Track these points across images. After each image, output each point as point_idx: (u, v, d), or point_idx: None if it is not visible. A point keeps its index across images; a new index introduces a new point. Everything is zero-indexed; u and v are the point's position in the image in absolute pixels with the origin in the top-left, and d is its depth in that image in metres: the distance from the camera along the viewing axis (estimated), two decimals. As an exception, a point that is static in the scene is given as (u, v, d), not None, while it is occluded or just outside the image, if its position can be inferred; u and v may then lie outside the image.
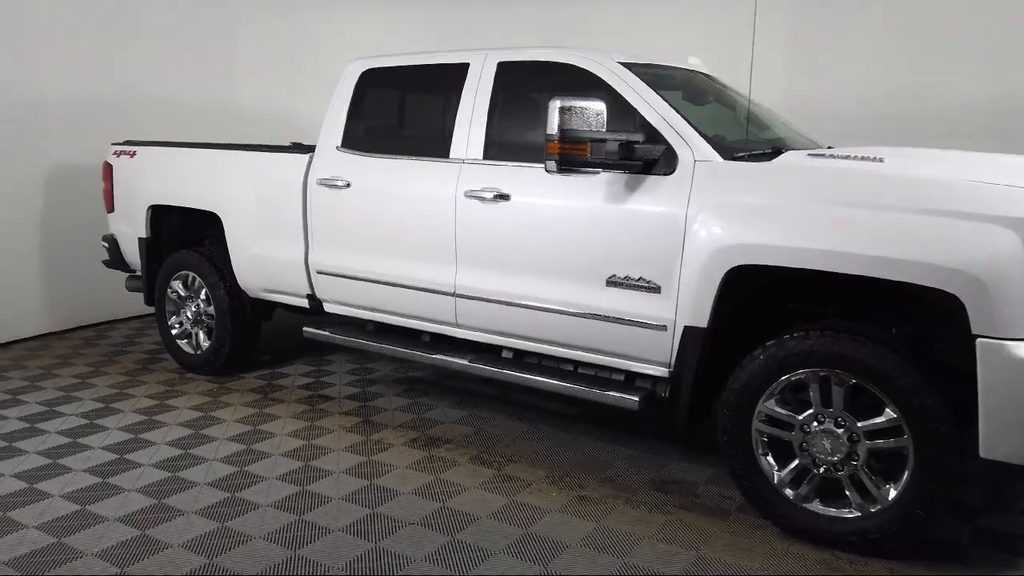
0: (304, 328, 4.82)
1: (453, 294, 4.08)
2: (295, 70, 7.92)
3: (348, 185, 4.45)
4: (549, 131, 3.30)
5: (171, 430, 4.35)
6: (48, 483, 3.67)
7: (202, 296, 5.34)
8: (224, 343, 5.23)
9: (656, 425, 4.37)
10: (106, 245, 5.90)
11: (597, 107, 3.28)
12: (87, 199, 6.45)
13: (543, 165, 3.70)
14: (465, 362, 4.13)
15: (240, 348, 5.32)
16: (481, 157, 4.00)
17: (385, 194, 4.31)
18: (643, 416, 4.18)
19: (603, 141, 3.28)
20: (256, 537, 3.18)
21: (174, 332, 5.52)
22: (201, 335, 5.40)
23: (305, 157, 4.71)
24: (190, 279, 5.38)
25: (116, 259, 5.90)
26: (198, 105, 7.30)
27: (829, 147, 4.05)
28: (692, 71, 4.35)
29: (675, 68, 4.21)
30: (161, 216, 5.55)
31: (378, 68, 4.58)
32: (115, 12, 6.66)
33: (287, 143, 6.13)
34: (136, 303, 6.85)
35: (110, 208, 5.80)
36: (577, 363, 3.91)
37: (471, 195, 3.95)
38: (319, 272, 4.66)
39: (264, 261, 4.92)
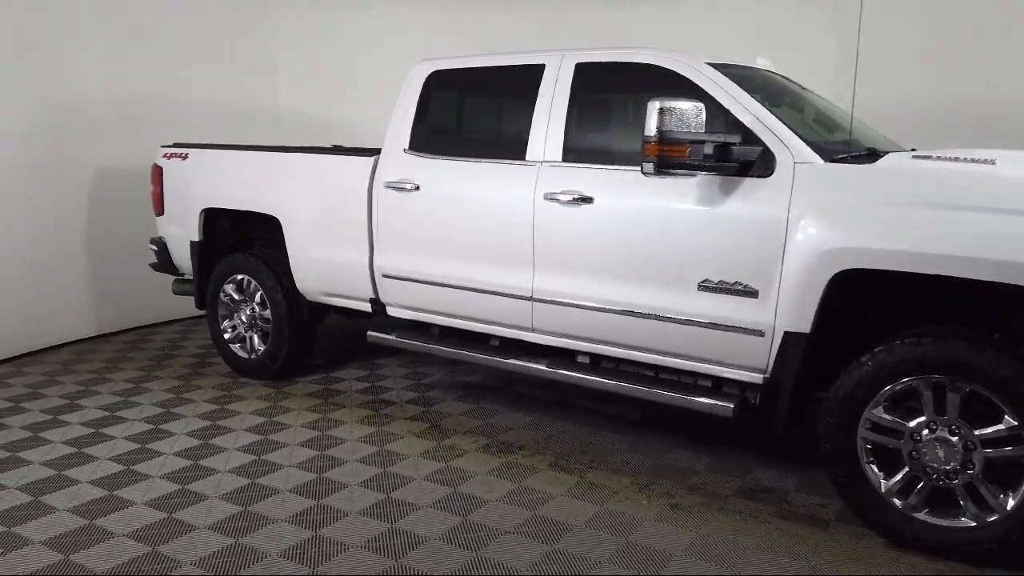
0: (368, 332, 4.76)
1: (530, 298, 4.02)
2: (332, 73, 7.87)
3: (417, 188, 4.39)
4: (647, 132, 3.24)
5: (239, 436, 4.29)
6: (128, 490, 3.60)
7: (257, 299, 5.29)
8: (281, 347, 5.17)
9: (721, 429, 4.31)
10: (154, 248, 5.83)
11: (696, 108, 3.22)
12: (126, 202, 6.42)
13: (628, 167, 3.69)
14: (543, 367, 4.07)
15: (296, 352, 5.26)
16: (560, 159, 3.94)
17: (457, 197, 4.25)
18: (708, 419, 4.13)
19: (701, 143, 3.23)
20: (353, 546, 3.11)
21: (227, 336, 5.46)
22: (256, 339, 5.34)
23: (370, 160, 4.65)
24: (245, 282, 5.33)
25: (164, 262, 5.84)
26: (235, 108, 7.26)
27: (912, 149, 3.99)
28: (768, 71, 4.29)
29: (753, 69, 4.15)
30: (213, 219, 5.49)
31: (446, 70, 4.52)
32: (152, 15, 6.62)
33: (328, 145, 6.10)
34: (177, 307, 6.84)
35: (159, 211, 5.73)
36: (658, 368, 3.86)
37: (550, 198, 3.90)
38: (385, 276, 4.60)
39: (325, 265, 4.87)
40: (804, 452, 4.04)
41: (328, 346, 6.02)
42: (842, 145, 3.63)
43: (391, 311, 4.73)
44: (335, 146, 6.17)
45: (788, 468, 3.88)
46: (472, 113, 4.69)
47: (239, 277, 5.34)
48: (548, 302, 3.97)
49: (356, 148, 5.51)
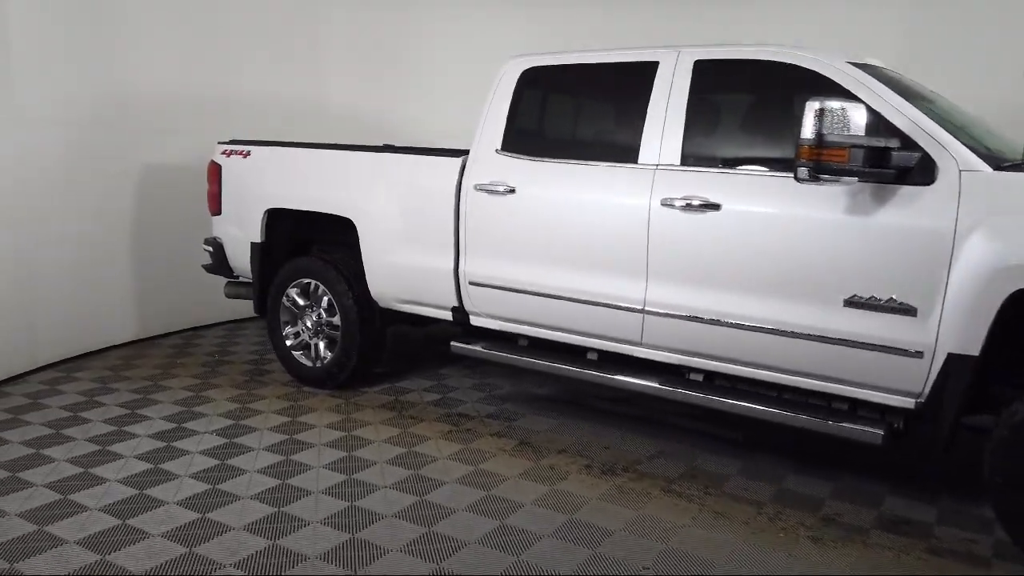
0: (452, 343, 4.50)
1: (642, 311, 3.77)
2: (383, 71, 7.63)
3: (512, 191, 4.13)
4: (804, 135, 2.99)
5: (321, 452, 4.02)
6: (221, 513, 3.32)
7: (324, 305, 5.01)
8: (351, 355, 4.90)
9: (831, 451, 4.06)
10: (209, 249, 5.54)
11: (856, 110, 2.97)
12: (167, 200, 6.16)
13: (761, 171, 3.45)
14: (656, 384, 3.80)
15: (366, 361, 4.99)
16: (678, 163, 3.69)
17: (559, 201, 3.99)
18: (814, 439, 3.88)
19: (862, 147, 2.98)
20: (484, 582, 2.85)
21: (289, 343, 5.18)
22: (322, 346, 5.07)
23: (458, 161, 4.39)
24: (312, 287, 5.05)
25: (219, 264, 5.55)
26: (284, 105, 7.00)
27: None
28: (889, 72, 4.04)
29: (881, 68, 3.89)
30: (275, 220, 5.22)
31: (541, 67, 4.27)
32: (202, 11, 6.36)
33: (380, 144, 5.84)
34: (219, 310, 6.58)
35: (216, 210, 5.45)
36: (781, 388, 3.60)
37: (667, 203, 3.64)
38: (472, 283, 4.34)
39: (404, 270, 4.60)
40: (927, 477, 3.80)
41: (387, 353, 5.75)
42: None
43: (475, 320, 4.47)
44: (386, 145, 5.91)
45: (920, 497, 3.63)
46: (573, 113, 4.44)
47: (305, 281, 5.07)
48: (662, 315, 3.71)
49: (432, 148, 5.21)
